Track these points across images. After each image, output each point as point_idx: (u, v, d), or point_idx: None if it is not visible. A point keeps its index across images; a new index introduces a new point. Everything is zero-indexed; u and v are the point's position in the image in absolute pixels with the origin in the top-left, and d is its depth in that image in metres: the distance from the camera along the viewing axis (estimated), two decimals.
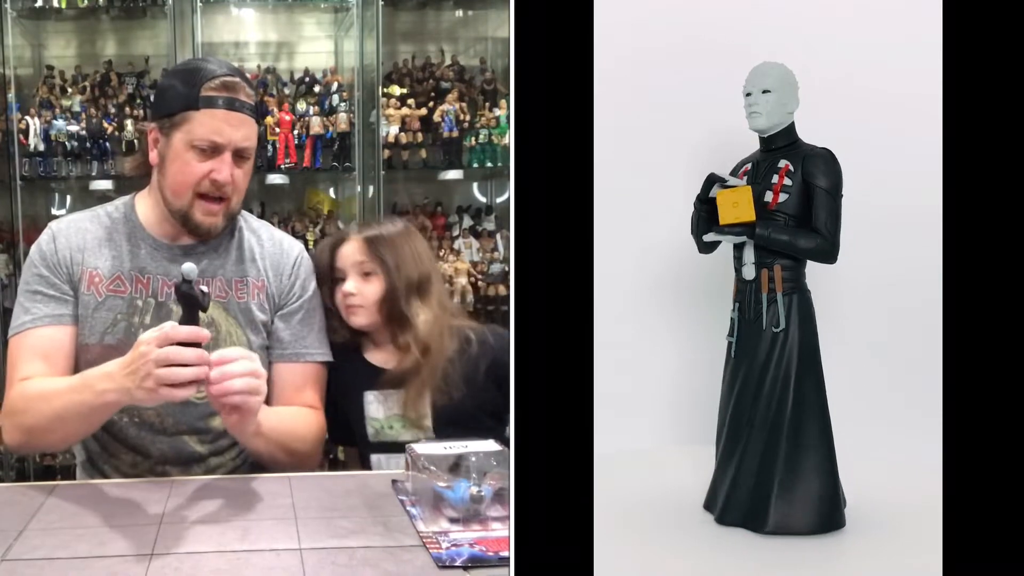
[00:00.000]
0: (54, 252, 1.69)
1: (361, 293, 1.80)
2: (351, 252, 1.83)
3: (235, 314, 1.73)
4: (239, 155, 1.67)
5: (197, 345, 1.36)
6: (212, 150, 1.64)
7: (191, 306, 1.37)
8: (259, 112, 1.76)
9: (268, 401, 1.74)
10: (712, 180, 1.55)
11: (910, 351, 1.94)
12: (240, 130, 1.65)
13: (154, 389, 1.34)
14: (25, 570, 1.10)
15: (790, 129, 1.58)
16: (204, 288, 1.37)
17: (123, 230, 1.73)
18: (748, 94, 1.57)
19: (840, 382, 1.93)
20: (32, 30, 3.28)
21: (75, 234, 1.71)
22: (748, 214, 1.51)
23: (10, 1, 3.10)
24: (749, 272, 1.56)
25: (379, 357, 1.83)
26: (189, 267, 1.36)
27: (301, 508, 1.31)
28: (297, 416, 1.71)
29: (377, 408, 1.80)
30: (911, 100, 1.84)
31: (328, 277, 1.85)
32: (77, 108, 3.18)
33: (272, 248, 1.80)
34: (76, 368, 1.66)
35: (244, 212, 1.83)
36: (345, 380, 1.82)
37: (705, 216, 1.57)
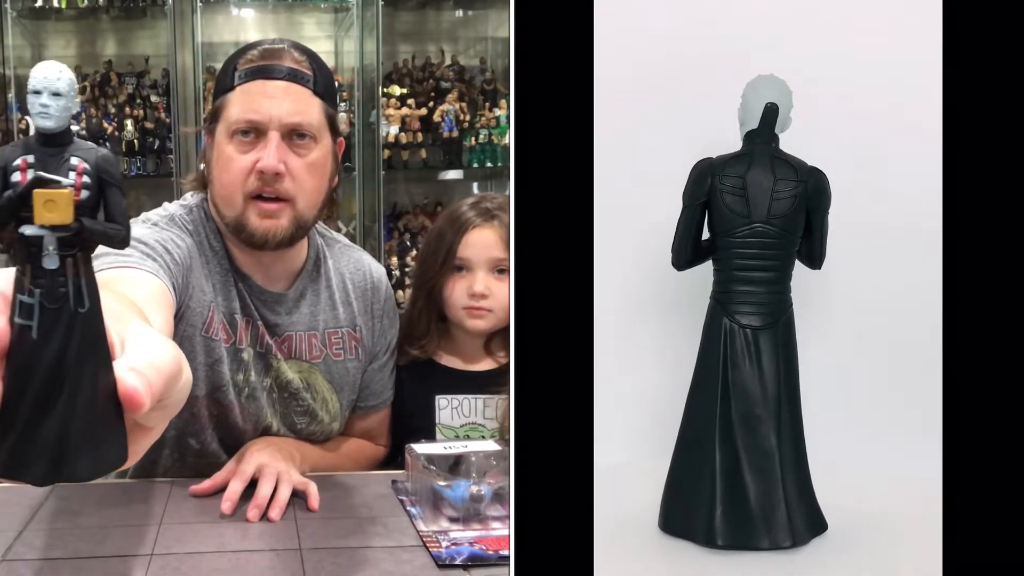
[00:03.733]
0: (183, 237, 1.35)
1: (494, 295, 1.54)
2: (487, 243, 1.54)
3: (331, 377, 1.51)
4: (292, 136, 1.34)
5: None
6: (254, 133, 1.33)
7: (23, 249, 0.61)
8: (327, 89, 1.39)
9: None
10: None
11: (910, 354, 1.94)
12: (284, 102, 1.32)
13: None
14: (25, 570, 1.10)
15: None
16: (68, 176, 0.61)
17: (212, 249, 1.41)
18: None
19: (839, 385, 1.93)
20: (32, 30, 3.29)
21: (186, 244, 1.36)
22: None
23: (10, 1, 3.10)
24: None
25: (452, 359, 1.62)
26: (42, 77, 0.57)
27: (301, 508, 1.31)
28: (347, 451, 1.57)
29: (451, 415, 1.58)
30: (911, 111, 1.84)
31: (444, 262, 1.56)
32: (77, 108, 3.18)
33: (360, 280, 1.54)
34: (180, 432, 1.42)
35: (319, 226, 1.53)
36: (412, 382, 1.60)
37: None
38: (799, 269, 1.59)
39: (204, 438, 1.47)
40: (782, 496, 1.49)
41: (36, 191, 0.49)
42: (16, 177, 0.51)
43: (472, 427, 1.60)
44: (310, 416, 1.52)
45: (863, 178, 1.86)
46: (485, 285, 1.54)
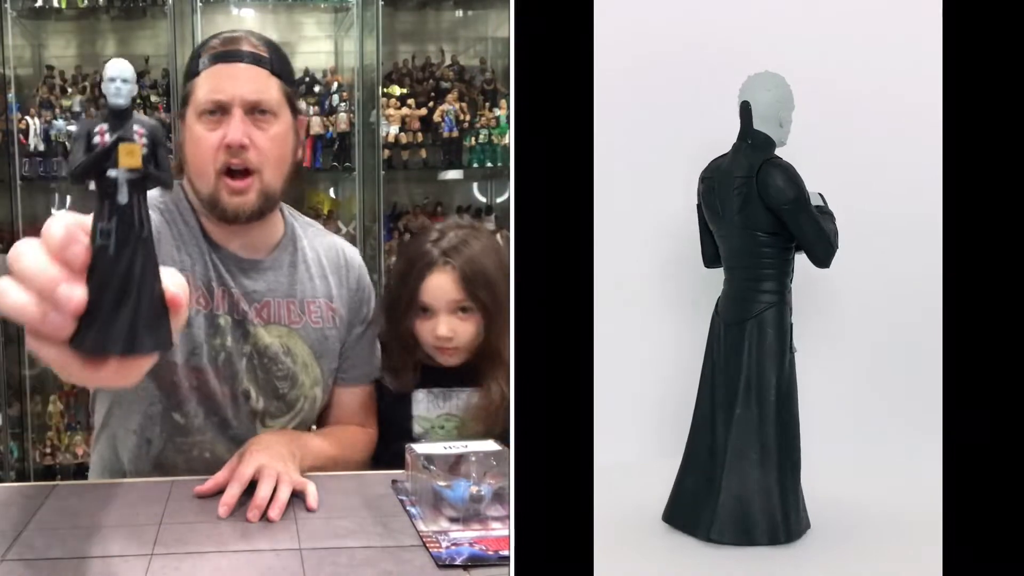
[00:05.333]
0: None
1: (458, 335, 1.59)
2: (445, 288, 1.58)
3: (311, 343, 1.57)
4: (254, 112, 1.46)
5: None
6: (220, 111, 1.45)
7: (101, 189, 0.73)
8: (283, 70, 1.51)
9: (324, 423, 1.66)
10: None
11: (910, 352, 1.94)
12: (245, 83, 1.45)
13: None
14: (25, 570, 1.10)
15: None
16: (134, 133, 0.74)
17: (193, 226, 1.51)
18: None
19: (838, 383, 1.94)
20: (32, 30, 3.29)
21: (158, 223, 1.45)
22: None
23: (10, 1, 3.10)
24: None
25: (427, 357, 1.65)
26: (116, 70, 0.74)
27: (301, 508, 1.31)
28: (346, 439, 1.60)
29: (427, 407, 1.64)
30: (911, 106, 1.84)
31: (408, 306, 1.61)
32: (77, 108, 3.19)
33: (334, 257, 1.64)
34: (144, 384, 1.45)
35: (291, 209, 1.66)
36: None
37: None
38: (800, 269, 1.59)
39: (188, 410, 1.51)
40: (717, 490, 1.52)
41: (121, 144, 0.71)
42: (97, 139, 0.72)
43: (447, 417, 1.64)
44: (291, 381, 1.57)
45: (864, 178, 1.86)
46: (448, 328, 1.59)
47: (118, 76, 0.73)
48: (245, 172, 1.45)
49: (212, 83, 1.46)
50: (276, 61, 1.50)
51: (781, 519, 1.50)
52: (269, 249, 1.57)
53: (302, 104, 3.16)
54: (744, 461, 1.52)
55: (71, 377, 0.77)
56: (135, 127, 0.73)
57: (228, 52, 1.47)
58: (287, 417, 1.59)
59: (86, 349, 0.70)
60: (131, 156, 0.71)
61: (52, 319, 0.69)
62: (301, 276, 1.58)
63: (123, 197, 0.70)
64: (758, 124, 1.55)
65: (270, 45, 1.52)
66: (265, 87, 1.47)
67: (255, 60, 1.47)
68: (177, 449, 1.53)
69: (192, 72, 1.50)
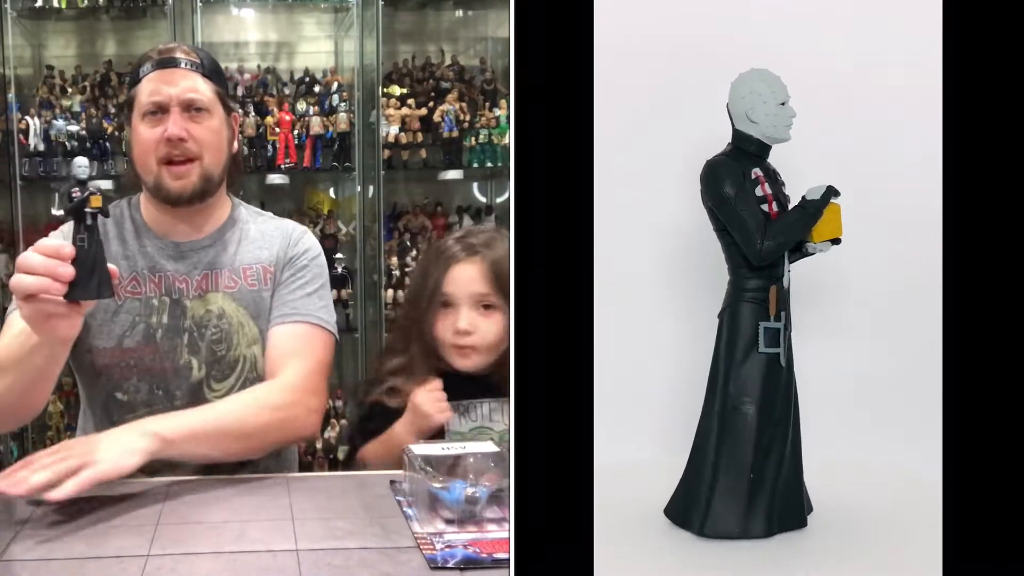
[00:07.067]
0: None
1: (479, 331, 1.55)
2: (470, 279, 1.56)
3: (246, 304, 1.68)
4: (189, 109, 1.64)
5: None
6: (160, 111, 1.63)
7: (78, 217, 1.31)
8: (214, 72, 1.71)
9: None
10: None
11: (910, 350, 1.94)
12: (179, 84, 1.64)
13: (22, 307, 1.29)
14: (21, 571, 1.10)
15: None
16: (95, 189, 1.32)
17: (129, 228, 1.70)
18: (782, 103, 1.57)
19: (838, 382, 1.93)
20: (32, 30, 3.29)
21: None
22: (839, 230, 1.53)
23: (10, 1, 3.10)
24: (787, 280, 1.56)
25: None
26: (79, 162, 1.32)
27: (298, 509, 1.31)
28: (231, 401, 1.57)
29: (458, 420, 1.57)
30: (911, 100, 1.84)
31: (430, 300, 1.58)
32: (77, 108, 3.18)
33: (279, 232, 1.76)
34: (88, 372, 1.66)
35: (244, 204, 1.81)
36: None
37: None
38: (807, 267, 1.59)
39: (128, 388, 1.65)
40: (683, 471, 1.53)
41: (92, 196, 1.29)
42: (75, 194, 1.29)
43: (480, 430, 1.59)
44: (226, 343, 1.67)
45: (863, 176, 1.85)
46: (469, 322, 1.55)
47: (83, 165, 1.32)
48: (185, 160, 1.63)
49: (152, 87, 1.65)
50: (207, 65, 1.70)
51: (717, 514, 1.49)
52: (211, 230, 1.72)
53: (301, 105, 3.18)
54: (693, 451, 1.54)
55: (49, 322, 1.30)
56: (92, 188, 1.29)
57: (164, 59, 1.67)
58: (231, 379, 1.67)
59: (74, 297, 1.27)
60: (97, 201, 1.29)
61: (55, 286, 1.25)
62: (241, 248, 1.71)
63: (90, 221, 1.29)
64: (736, 124, 1.55)
65: (201, 52, 1.74)
66: (197, 87, 1.65)
67: (188, 65, 1.66)
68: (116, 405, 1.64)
69: (134, 80, 1.70)
